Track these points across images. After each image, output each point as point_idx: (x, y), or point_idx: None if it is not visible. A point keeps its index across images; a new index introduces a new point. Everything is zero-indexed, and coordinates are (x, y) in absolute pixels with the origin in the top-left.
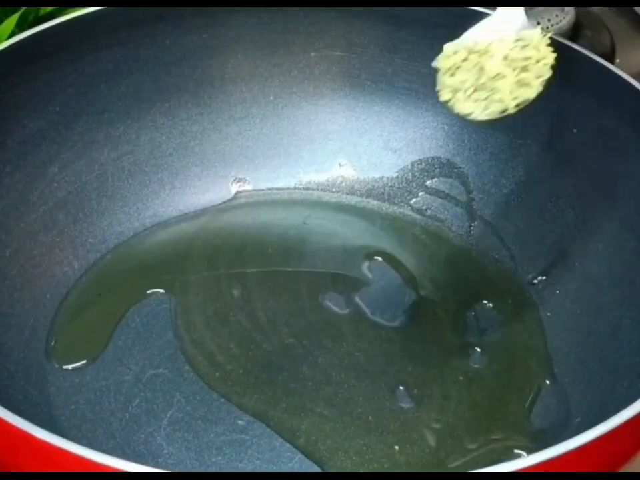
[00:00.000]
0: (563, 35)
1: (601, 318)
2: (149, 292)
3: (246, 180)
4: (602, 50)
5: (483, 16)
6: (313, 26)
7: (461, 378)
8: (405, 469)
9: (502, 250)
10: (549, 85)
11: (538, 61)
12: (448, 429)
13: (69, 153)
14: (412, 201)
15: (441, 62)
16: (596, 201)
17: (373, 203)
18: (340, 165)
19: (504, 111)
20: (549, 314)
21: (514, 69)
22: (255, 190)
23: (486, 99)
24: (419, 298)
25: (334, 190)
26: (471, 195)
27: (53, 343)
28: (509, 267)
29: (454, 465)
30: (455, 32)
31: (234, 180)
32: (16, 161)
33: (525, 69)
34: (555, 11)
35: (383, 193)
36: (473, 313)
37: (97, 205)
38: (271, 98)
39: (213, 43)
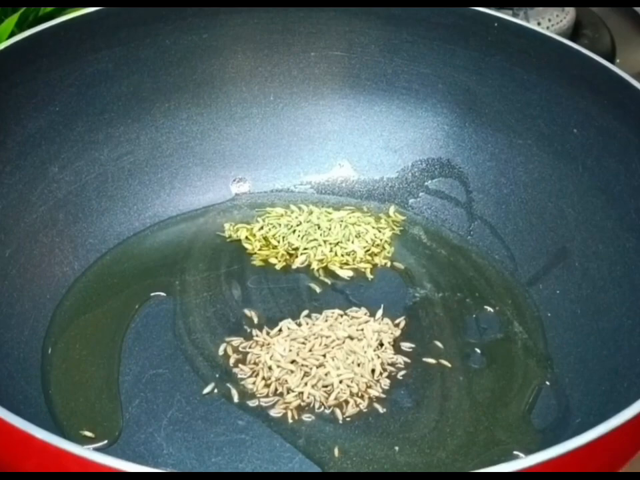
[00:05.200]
0: (562, 34)
1: (601, 318)
2: (148, 292)
3: (246, 180)
4: (602, 50)
5: (482, 16)
6: (313, 26)
7: (461, 378)
8: (405, 470)
9: (502, 250)
10: None
11: None
12: (448, 429)
13: (69, 153)
14: (412, 201)
15: None
16: (596, 200)
17: (373, 203)
18: (340, 165)
19: None
20: (549, 314)
21: None
22: (255, 190)
23: None
24: (419, 298)
25: (334, 190)
26: (470, 195)
27: (51, 347)
28: (509, 266)
29: (454, 466)
30: (455, 32)
31: (234, 180)
32: (16, 161)
33: None
34: (555, 10)
35: (383, 194)
36: (473, 313)
37: (97, 204)
38: (271, 98)
39: (212, 43)
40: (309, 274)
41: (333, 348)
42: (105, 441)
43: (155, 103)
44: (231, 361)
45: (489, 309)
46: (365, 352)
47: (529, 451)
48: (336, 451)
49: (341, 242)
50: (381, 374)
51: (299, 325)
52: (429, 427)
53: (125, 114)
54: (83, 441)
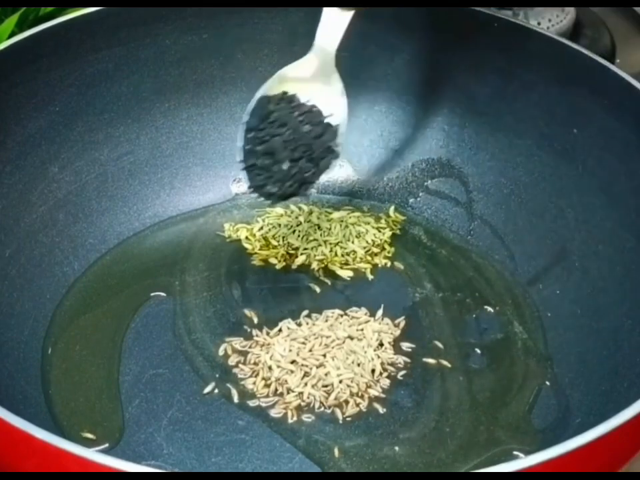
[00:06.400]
0: (563, 35)
1: (601, 318)
2: (148, 292)
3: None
4: (602, 50)
5: (482, 16)
6: (313, 26)
7: (460, 378)
8: (405, 470)
9: (502, 250)
10: None
11: None
12: (448, 429)
13: (69, 153)
14: (412, 201)
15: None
16: (596, 200)
17: (373, 203)
18: (340, 165)
19: None
20: (549, 314)
21: None
22: None
23: None
24: (419, 298)
25: (334, 190)
26: (470, 195)
27: (51, 347)
28: (509, 266)
29: (454, 466)
30: (455, 32)
31: (234, 180)
32: (16, 161)
33: None
34: (555, 10)
35: (383, 194)
36: (473, 313)
37: (97, 204)
38: None
39: (212, 43)
40: (309, 274)
41: (332, 348)
42: (106, 444)
43: (155, 103)
44: (231, 360)
45: (489, 309)
46: (365, 352)
47: (528, 451)
48: (336, 451)
49: (341, 242)
50: (380, 374)
51: (299, 324)
52: (428, 426)
53: (125, 114)
54: (84, 443)
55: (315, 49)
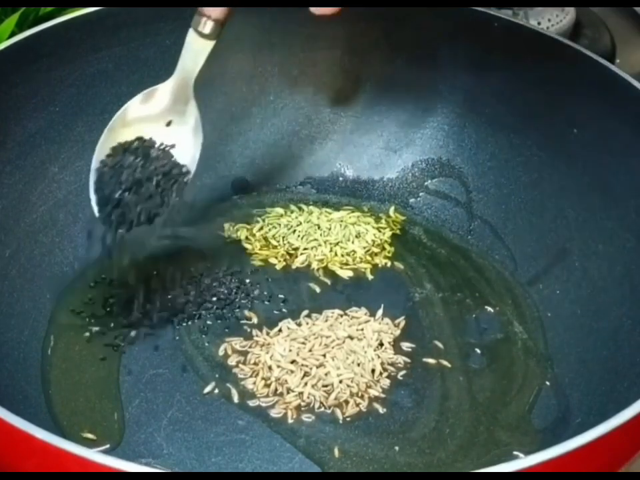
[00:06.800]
0: (563, 34)
1: (600, 318)
2: (148, 292)
3: (246, 180)
4: (602, 50)
5: (482, 16)
6: (313, 26)
7: (460, 378)
8: (404, 470)
9: (502, 250)
10: None
11: None
12: (448, 429)
13: (69, 153)
14: (412, 201)
15: None
16: (596, 201)
17: (373, 203)
18: (340, 165)
19: None
20: (549, 314)
21: None
22: (255, 190)
23: None
24: (419, 298)
25: (334, 190)
26: (470, 195)
27: (51, 347)
28: (509, 266)
29: (454, 466)
30: (455, 32)
31: (234, 180)
32: (16, 161)
33: None
34: (555, 10)
35: (383, 194)
36: (473, 313)
37: None
38: (271, 98)
39: None
40: (309, 274)
41: (332, 348)
42: (107, 444)
43: None
44: (231, 360)
45: (489, 309)
46: (365, 352)
47: (528, 451)
48: (336, 451)
49: (341, 242)
50: (380, 374)
51: (299, 324)
52: (428, 427)
53: None
54: (84, 443)
55: (175, 73)
